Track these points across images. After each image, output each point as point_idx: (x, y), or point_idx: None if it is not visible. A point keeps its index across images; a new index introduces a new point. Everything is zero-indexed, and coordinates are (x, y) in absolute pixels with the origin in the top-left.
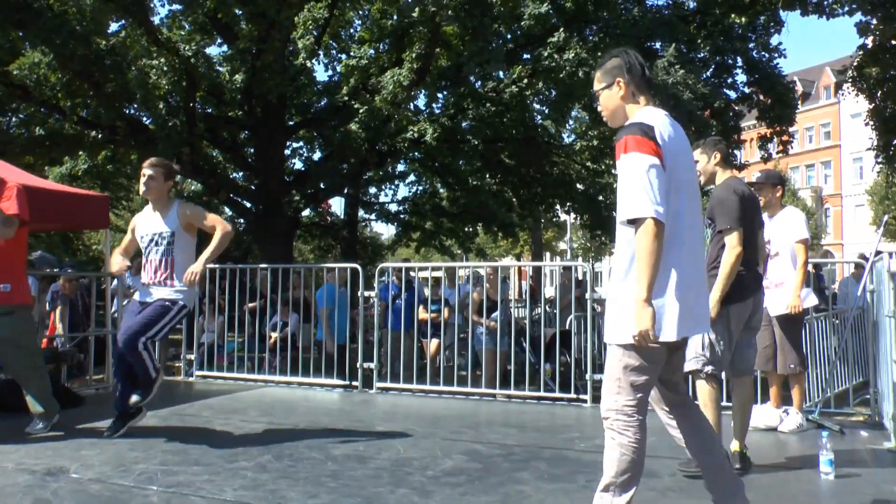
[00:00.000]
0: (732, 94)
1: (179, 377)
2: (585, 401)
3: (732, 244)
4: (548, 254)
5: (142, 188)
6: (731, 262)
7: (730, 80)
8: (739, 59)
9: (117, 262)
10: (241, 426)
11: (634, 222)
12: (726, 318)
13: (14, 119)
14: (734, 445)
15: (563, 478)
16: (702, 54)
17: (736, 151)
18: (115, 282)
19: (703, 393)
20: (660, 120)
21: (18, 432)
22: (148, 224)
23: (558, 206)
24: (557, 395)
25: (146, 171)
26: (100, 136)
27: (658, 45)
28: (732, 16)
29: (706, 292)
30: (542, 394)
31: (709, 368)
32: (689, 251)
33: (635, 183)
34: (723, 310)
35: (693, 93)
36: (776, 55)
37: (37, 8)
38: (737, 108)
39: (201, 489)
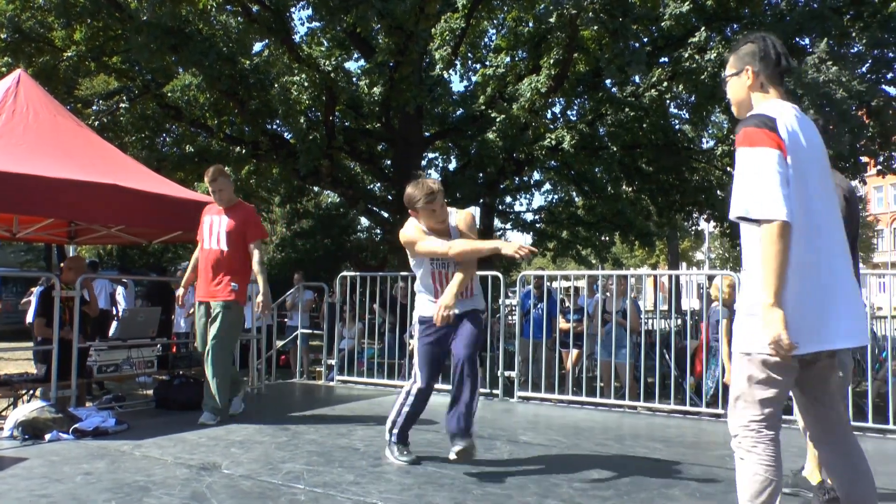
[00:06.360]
0: (893, 91)
1: (320, 381)
2: None
3: None
4: (684, 264)
5: (435, 212)
6: None
7: (889, 76)
8: None
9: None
10: (384, 430)
11: (757, 222)
12: None
13: (168, 138)
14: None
15: (715, 496)
16: (856, 48)
17: (895, 154)
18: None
19: None
20: (786, 113)
21: (174, 428)
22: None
23: (697, 214)
24: (703, 409)
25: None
26: (244, 151)
27: (807, 41)
28: (893, 4)
29: (849, 301)
30: (686, 408)
31: None
32: (826, 254)
33: (757, 179)
34: None
35: (847, 91)
36: None
37: (188, 33)
38: None
39: (347, 490)
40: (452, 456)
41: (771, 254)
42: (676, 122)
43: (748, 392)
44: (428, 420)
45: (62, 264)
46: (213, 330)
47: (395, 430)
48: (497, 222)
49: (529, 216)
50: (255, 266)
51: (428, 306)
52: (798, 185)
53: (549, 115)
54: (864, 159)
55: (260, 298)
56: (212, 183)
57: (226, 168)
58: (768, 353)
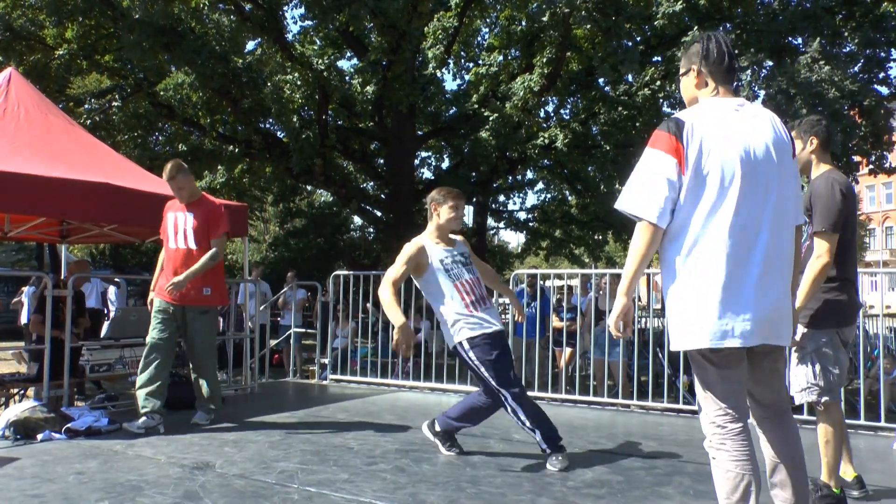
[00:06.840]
0: (885, 91)
1: (314, 380)
2: None
3: (820, 252)
4: None
5: (458, 209)
6: (813, 274)
7: (881, 76)
8: (894, 52)
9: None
10: (378, 429)
11: (636, 216)
12: (834, 339)
13: (160, 137)
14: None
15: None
16: (848, 48)
17: (887, 153)
18: (252, 287)
19: (823, 427)
20: (712, 114)
21: (167, 427)
22: (444, 249)
23: None
24: (696, 408)
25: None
26: (236, 150)
27: (799, 40)
28: (885, 4)
29: (777, 303)
30: (680, 406)
31: (825, 399)
32: (746, 257)
33: (643, 180)
34: (830, 332)
35: (839, 90)
36: None
37: (181, 31)
38: (889, 105)
39: (341, 489)
40: (554, 469)
41: (635, 248)
42: None
43: (701, 389)
44: (420, 419)
45: (68, 267)
46: (195, 339)
47: (543, 438)
48: (490, 221)
49: (522, 215)
50: (205, 257)
51: (473, 328)
52: (715, 188)
53: (542, 114)
54: (857, 158)
55: (177, 279)
56: (170, 181)
57: (218, 167)
58: (701, 346)
